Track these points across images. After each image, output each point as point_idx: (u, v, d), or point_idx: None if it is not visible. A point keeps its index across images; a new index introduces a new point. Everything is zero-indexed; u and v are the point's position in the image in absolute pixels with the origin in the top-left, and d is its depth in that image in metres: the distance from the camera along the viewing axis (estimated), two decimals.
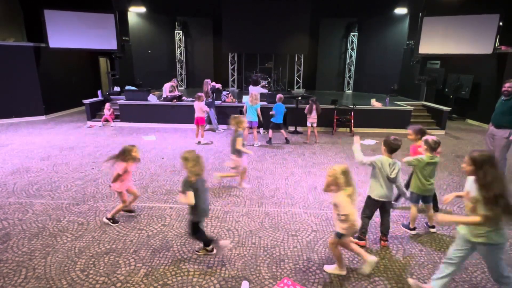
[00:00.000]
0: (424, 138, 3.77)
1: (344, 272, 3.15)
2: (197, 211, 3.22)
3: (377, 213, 3.68)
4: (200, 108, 7.94)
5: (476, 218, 2.40)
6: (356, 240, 3.61)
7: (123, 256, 3.39)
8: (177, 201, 4.70)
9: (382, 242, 3.67)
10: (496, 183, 2.32)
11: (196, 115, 7.96)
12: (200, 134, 8.02)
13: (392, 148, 3.40)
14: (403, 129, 9.73)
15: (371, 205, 3.57)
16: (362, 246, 3.54)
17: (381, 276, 3.15)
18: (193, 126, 8.32)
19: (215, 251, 3.41)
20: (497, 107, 5.50)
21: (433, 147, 3.67)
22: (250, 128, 7.79)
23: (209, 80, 9.28)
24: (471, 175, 2.52)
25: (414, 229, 3.94)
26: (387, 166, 3.39)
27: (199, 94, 8.14)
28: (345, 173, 2.88)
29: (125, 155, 3.90)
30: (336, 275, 3.14)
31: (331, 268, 3.20)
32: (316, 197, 4.93)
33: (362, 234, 3.63)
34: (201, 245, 3.46)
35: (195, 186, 3.12)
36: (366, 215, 3.60)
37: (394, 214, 4.41)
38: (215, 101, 9.38)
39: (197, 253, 3.45)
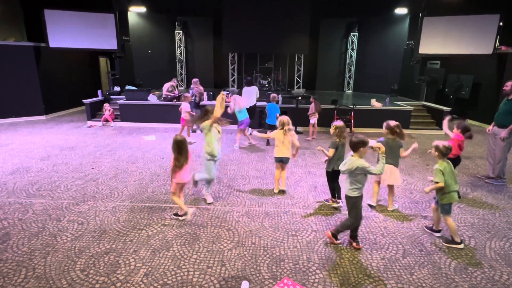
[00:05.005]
0: (434, 144, 3.73)
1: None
2: None
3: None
4: (184, 109, 7.82)
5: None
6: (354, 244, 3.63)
7: (123, 256, 3.39)
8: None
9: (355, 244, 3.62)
10: None
11: (182, 116, 7.93)
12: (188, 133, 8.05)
13: (349, 145, 3.55)
14: (403, 129, 9.74)
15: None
16: (357, 249, 3.57)
17: (381, 276, 3.15)
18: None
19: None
20: (500, 106, 5.52)
21: (444, 153, 3.66)
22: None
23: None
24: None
25: (461, 242, 3.70)
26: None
27: (186, 94, 8.13)
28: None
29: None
30: (336, 275, 3.14)
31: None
32: (316, 197, 4.93)
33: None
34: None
35: None
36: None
37: (393, 215, 4.42)
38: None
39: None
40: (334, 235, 3.66)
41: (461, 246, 3.65)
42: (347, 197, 3.54)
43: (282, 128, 4.86)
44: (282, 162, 4.98)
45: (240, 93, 8.71)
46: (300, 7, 13.49)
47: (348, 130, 9.55)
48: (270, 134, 5.12)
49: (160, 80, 11.95)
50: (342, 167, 3.55)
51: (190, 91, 9.19)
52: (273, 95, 8.02)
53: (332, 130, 4.41)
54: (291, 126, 4.91)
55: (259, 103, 9.00)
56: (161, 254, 3.43)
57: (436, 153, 3.69)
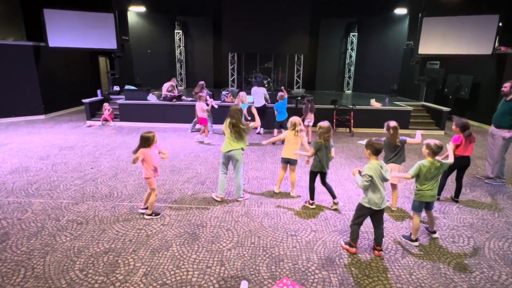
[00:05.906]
0: (426, 142, 3.64)
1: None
2: None
3: (368, 220, 3.59)
4: (201, 108, 7.92)
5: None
6: (347, 246, 3.56)
7: (122, 255, 3.39)
8: (176, 200, 4.71)
9: (376, 252, 3.51)
10: None
11: (199, 116, 7.97)
12: (204, 133, 8.01)
13: (376, 149, 3.35)
14: (403, 129, 9.75)
15: (364, 213, 3.48)
16: (352, 254, 3.51)
17: (381, 276, 3.15)
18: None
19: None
20: (498, 107, 5.53)
21: (435, 151, 3.56)
22: None
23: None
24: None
25: (416, 240, 3.74)
26: (380, 169, 3.33)
27: (200, 94, 8.16)
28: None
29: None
30: (335, 274, 3.14)
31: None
32: (316, 197, 4.93)
33: (352, 240, 3.54)
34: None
35: None
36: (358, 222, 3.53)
37: (392, 215, 4.42)
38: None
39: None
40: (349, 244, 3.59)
41: (415, 244, 3.70)
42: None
43: (294, 129, 4.73)
44: (289, 163, 4.90)
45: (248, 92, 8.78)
46: (300, 7, 13.50)
47: (347, 130, 9.59)
48: (281, 136, 4.96)
49: (159, 80, 11.96)
50: (390, 175, 3.44)
51: (205, 92, 9.21)
52: (280, 93, 8.24)
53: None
54: (302, 127, 4.80)
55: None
56: (160, 254, 3.43)
57: (427, 151, 3.60)
